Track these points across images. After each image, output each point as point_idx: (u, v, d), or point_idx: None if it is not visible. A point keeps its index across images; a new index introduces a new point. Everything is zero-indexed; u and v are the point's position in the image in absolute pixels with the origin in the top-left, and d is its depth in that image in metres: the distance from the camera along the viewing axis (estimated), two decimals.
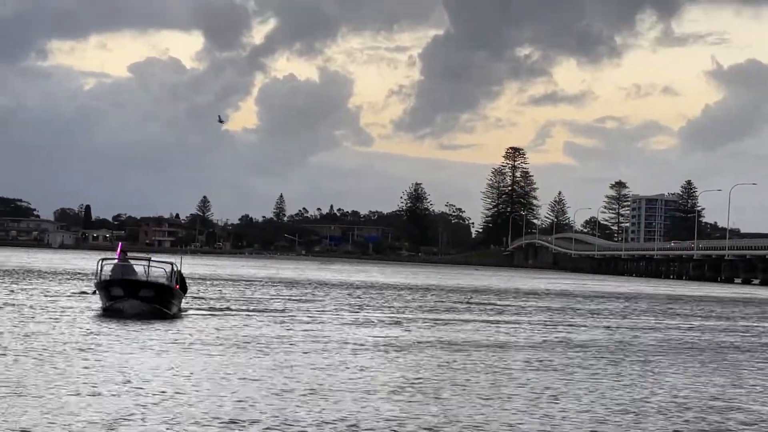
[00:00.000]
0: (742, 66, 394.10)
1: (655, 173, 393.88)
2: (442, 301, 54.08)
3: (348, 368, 21.12)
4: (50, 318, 30.65)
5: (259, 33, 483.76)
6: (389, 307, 46.18)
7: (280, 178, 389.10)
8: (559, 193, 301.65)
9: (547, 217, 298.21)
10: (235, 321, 32.91)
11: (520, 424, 15.43)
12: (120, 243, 44.72)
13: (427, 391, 18.24)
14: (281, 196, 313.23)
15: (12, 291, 44.84)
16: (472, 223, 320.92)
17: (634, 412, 16.88)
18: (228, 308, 39.22)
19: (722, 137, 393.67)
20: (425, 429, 14.66)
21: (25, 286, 49.45)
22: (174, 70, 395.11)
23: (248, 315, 36.06)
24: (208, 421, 14.43)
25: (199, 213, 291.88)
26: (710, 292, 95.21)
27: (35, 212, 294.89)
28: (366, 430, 14.40)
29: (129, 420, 14.23)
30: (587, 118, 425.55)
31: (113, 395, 16.23)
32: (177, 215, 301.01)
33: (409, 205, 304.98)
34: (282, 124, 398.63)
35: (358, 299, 51.81)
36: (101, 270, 34.44)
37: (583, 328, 37.34)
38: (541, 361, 24.47)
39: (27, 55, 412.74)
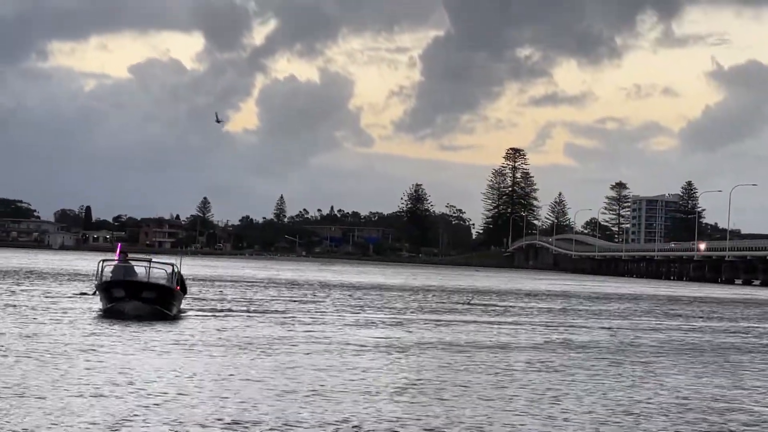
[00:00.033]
0: (743, 67, 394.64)
1: (656, 174, 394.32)
2: (443, 302, 54.08)
3: (350, 369, 21.12)
4: (51, 319, 30.66)
5: (259, 34, 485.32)
6: (390, 308, 46.18)
7: (281, 179, 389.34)
8: (560, 194, 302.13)
9: (547, 218, 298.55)
10: (236, 322, 32.92)
11: (522, 425, 15.43)
12: (119, 244, 44.72)
13: (429, 392, 18.25)
14: (282, 197, 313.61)
15: (13, 292, 44.83)
16: (473, 224, 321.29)
17: (635, 413, 16.89)
18: (229, 309, 39.23)
19: (723, 138, 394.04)
20: (427, 430, 14.67)
21: (25, 288, 49.44)
22: (174, 71, 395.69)
23: (249, 316, 36.08)
24: (210, 422, 14.44)
25: (199, 214, 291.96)
26: (711, 293, 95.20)
27: (35, 213, 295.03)
28: (368, 431, 14.40)
29: (132, 421, 14.24)
30: (587, 119, 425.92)
31: (116, 396, 16.24)
32: (177, 216, 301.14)
33: (409, 206, 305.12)
34: (282, 125, 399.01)
35: (359, 300, 51.82)
36: (102, 271, 34.45)
37: (584, 329, 37.34)
38: (542, 362, 24.48)
39: (27, 56, 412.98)
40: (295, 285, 70.21)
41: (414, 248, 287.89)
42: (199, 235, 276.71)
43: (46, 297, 42.06)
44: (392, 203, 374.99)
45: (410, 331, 32.47)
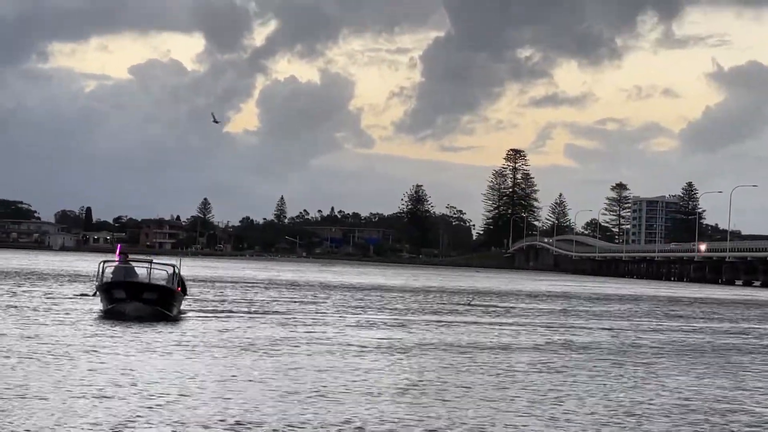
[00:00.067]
0: (743, 68, 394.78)
1: (656, 175, 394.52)
2: (444, 303, 54.07)
3: (352, 370, 21.13)
4: (53, 320, 30.69)
5: (260, 35, 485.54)
6: (391, 309, 46.20)
7: (281, 180, 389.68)
8: (560, 194, 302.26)
9: (548, 219, 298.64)
10: (237, 323, 32.92)
11: (524, 426, 15.45)
12: (119, 245, 44.69)
13: (431, 393, 18.26)
14: (282, 198, 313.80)
15: (14, 293, 44.84)
16: (473, 225, 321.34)
17: (637, 414, 16.90)
18: (230, 310, 39.23)
19: (723, 139, 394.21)
20: (429, 431, 14.68)
21: (26, 289, 49.44)
22: (175, 72, 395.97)
23: (250, 317, 36.08)
24: (213, 423, 14.46)
25: (199, 215, 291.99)
26: (711, 294, 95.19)
27: (36, 214, 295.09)
28: None
29: (134, 422, 14.25)
30: (588, 120, 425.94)
31: (118, 398, 16.25)
32: (178, 217, 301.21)
33: (409, 207, 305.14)
34: (283, 125, 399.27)
35: (360, 301, 51.82)
36: (103, 272, 34.46)
37: (585, 330, 37.34)
38: (544, 362, 24.49)
39: (28, 57, 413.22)
40: (295, 286, 70.21)
41: (414, 249, 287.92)
42: (200, 236, 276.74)
43: (47, 298, 42.07)
44: (393, 204, 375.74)
45: (412, 332, 32.47)
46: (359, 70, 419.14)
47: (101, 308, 33.91)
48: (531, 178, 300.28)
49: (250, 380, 19.01)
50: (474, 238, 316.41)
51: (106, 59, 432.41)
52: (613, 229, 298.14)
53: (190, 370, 20.06)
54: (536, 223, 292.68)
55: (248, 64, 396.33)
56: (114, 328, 28.42)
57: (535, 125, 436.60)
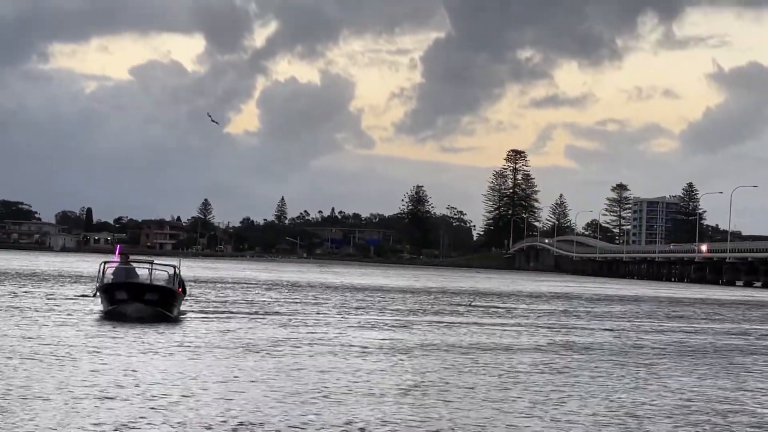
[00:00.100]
0: (743, 69, 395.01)
1: (657, 176, 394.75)
2: (445, 304, 54.07)
3: (354, 371, 21.14)
4: (54, 321, 30.70)
5: (260, 36, 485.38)
6: (393, 309, 46.20)
7: (282, 181, 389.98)
8: (561, 195, 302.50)
9: (548, 220, 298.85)
10: (238, 324, 32.94)
11: (526, 426, 15.46)
12: (118, 246, 44.71)
13: (433, 394, 18.27)
14: (282, 198, 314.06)
15: (15, 294, 44.86)
16: (474, 226, 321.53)
17: (638, 415, 16.91)
18: (230, 311, 39.25)
19: (723, 140, 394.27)
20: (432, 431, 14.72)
21: (28, 290, 49.45)
22: (175, 73, 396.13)
23: (251, 318, 36.10)
24: (216, 424, 14.46)
25: (200, 216, 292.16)
26: (712, 295, 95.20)
27: (36, 215, 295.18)
28: None
29: (137, 423, 14.26)
30: (588, 121, 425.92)
31: (121, 398, 16.26)
32: (178, 218, 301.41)
33: (410, 207, 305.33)
34: (283, 126, 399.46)
35: (361, 302, 51.83)
36: (103, 273, 34.49)
37: (586, 331, 37.35)
38: (545, 363, 24.50)
39: (28, 58, 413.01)
40: (297, 287, 70.21)
41: (415, 250, 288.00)
42: (200, 236, 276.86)
43: (49, 299, 42.09)
44: (393, 205, 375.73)
45: (413, 333, 32.49)
46: (359, 71, 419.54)
47: (101, 309, 33.93)
48: (531, 178, 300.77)
49: (252, 381, 19.02)
50: (474, 238, 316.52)
51: (107, 60, 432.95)
52: (613, 230, 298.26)
53: (192, 371, 20.07)
54: (537, 223, 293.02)
55: (248, 65, 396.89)
56: (116, 329, 28.44)
57: (536, 126, 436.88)
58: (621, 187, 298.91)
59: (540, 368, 23.41)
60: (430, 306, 51.46)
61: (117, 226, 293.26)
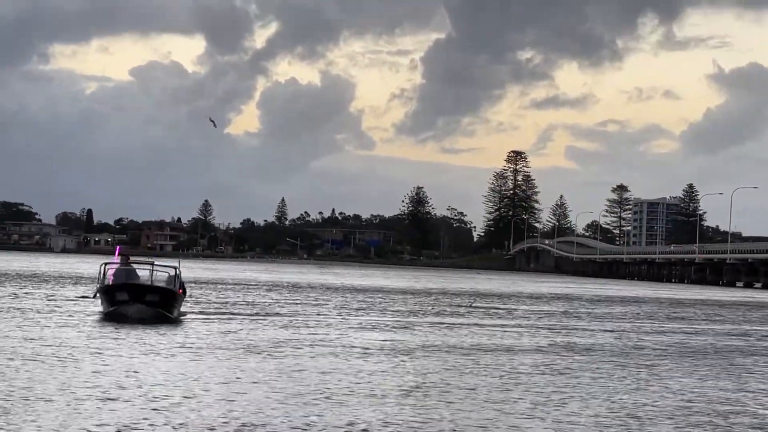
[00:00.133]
0: (744, 69, 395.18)
1: (657, 177, 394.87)
2: (446, 305, 54.09)
3: (355, 372, 21.15)
4: (56, 323, 30.72)
5: (260, 37, 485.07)
6: (393, 311, 46.21)
7: (282, 182, 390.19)
8: (561, 196, 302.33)
9: (548, 221, 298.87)
10: (239, 325, 32.95)
11: (528, 428, 15.48)
12: (118, 247, 44.76)
13: (435, 395, 18.29)
14: (283, 199, 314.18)
15: (16, 296, 44.87)
16: (474, 227, 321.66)
17: (640, 416, 16.92)
18: (231, 312, 39.25)
19: (724, 141, 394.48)
20: None
21: (29, 291, 49.46)
22: (176, 74, 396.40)
23: (252, 319, 36.10)
24: (218, 425, 14.49)
25: (200, 217, 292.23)
26: (712, 296, 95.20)
27: (37, 216, 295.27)
28: None
29: (140, 424, 14.28)
30: (589, 122, 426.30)
31: (123, 399, 16.28)
32: (179, 219, 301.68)
33: (410, 208, 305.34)
34: (284, 127, 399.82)
35: (362, 303, 51.84)
36: (104, 274, 34.51)
37: (587, 332, 37.36)
38: (547, 364, 24.51)
39: (29, 59, 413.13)
40: (297, 288, 70.22)
41: (415, 251, 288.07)
42: (201, 237, 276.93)
43: (50, 300, 42.10)
44: (393, 206, 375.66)
45: (414, 334, 32.51)
46: (360, 72, 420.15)
47: (102, 310, 33.95)
48: (532, 179, 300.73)
49: (254, 382, 19.03)
50: (475, 239, 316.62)
51: (107, 61, 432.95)
52: (613, 231, 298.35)
53: (194, 372, 20.09)
54: (537, 224, 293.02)
55: (249, 66, 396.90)
56: (117, 330, 28.45)
57: (536, 127, 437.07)
58: (621, 188, 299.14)
59: (541, 369, 23.43)
60: (430, 307, 51.47)
61: (117, 227, 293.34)
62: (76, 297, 44.82)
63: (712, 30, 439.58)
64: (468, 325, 38.63)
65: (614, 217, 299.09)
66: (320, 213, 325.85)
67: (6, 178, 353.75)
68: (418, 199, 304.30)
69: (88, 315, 34.08)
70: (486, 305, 56.24)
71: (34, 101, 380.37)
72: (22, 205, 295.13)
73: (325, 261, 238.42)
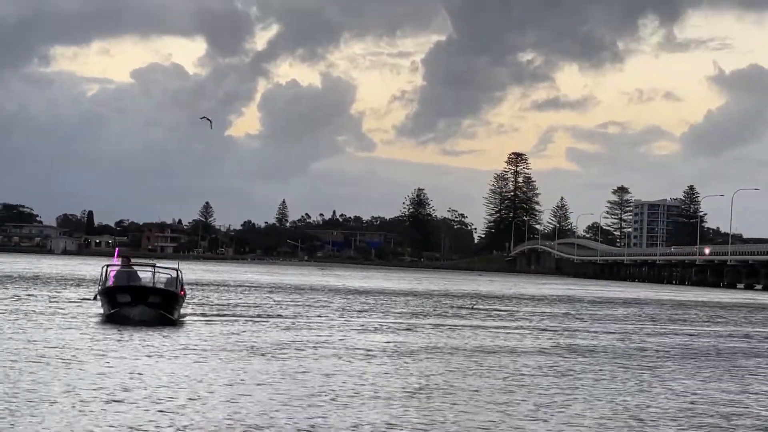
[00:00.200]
0: (744, 71, 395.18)
1: (658, 178, 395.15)
2: (448, 307, 54.10)
3: (359, 374, 21.18)
4: (58, 324, 30.73)
5: (261, 39, 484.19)
6: (396, 312, 46.23)
7: (283, 184, 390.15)
8: (562, 198, 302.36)
9: (549, 223, 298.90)
10: (242, 327, 32.97)
11: (532, 429, 15.51)
12: (117, 248, 44.80)
13: (438, 397, 18.31)
14: (284, 201, 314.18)
15: (18, 297, 44.88)
16: (475, 229, 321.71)
17: (642, 418, 16.95)
18: (232, 314, 39.27)
19: (724, 142, 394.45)
20: None
21: (31, 293, 49.46)
22: (177, 76, 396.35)
23: (255, 321, 36.12)
24: (223, 428, 14.52)
25: (201, 219, 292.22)
26: (713, 298, 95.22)
27: (38, 218, 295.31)
28: None
29: (146, 426, 14.31)
30: (589, 124, 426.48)
31: (128, 402, 16.31)
32: (179, 221, 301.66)
33: (411, 210, 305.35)
34: (284, 129, 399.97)
35: (364, 305, 51.86)
36: (106, 276, 34.54)
37: (589, 334, 37.38)
38: (550, 366, 24.54)
39: (30, 61, 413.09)
40: (299, 290, 70.25)
41: (416, 253, 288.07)
42: (201, 239, 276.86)
43: (52, 302, 42.11)
44: (394, 208, 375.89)
45: (417, 336, 32.53)
46: (361, 74, 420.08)
47: (102, 312, 33.96)
48: (532, 181, 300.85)
49: (258, 384, 19.05)
50: (475, 241, 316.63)
51: (108, 63, 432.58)
52: (614, 233, 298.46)
53: (198, 374, 20.11)
54: (538, 226, 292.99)
55: (250, 68, 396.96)
56: (120, 332, 28.48)
57: (537, 129, 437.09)
58: (622, 190, 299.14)
59: (544, 371, 23.45)
60: (432, 309, 51.50)
61: (118, 229, 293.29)
62: (79, 299, 44.82)
63: (712, 32, 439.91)
64: (471, 326, 38.64)
65: (615, 218, 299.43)
66: (321, 215, 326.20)
67: (7, 180, 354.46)
68: (419, 201, 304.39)
69: (91, 317, 34.08)
70: (488, 307, 56.25)
71: (35, 103, 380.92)
72: (23, 207, 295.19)
73: (325, 263, 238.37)
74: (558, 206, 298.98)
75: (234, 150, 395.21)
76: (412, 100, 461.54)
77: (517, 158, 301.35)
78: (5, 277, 67.86)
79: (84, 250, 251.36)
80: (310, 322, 36.69)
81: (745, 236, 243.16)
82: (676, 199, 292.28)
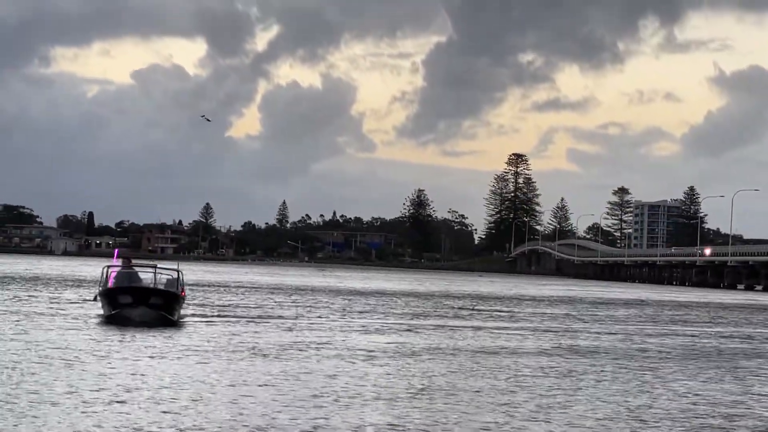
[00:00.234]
0: (745, 72, 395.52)
1: (658, 179, 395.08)
2: (448, 308, 54.11)
3: (361, 375, 21.20)
4: (60, 326, 30.75)
5: (262, 40, 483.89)
6: (397, 313, 46.24)
7: (283, 185, 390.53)
8: (562, 199, 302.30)
9: (549, 224, 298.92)
10: (244, 328, 33.00)
11: (535, 431, 15.52)
12: (116, 250, 44.78)
13: (440, 398, 18.33)
14: (284, 202, 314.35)
15: (19, 298, 44.90)
16: (475, 230, 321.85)
17: (644, 419, 16.97)
18: (234, 315, 39.28)
19: (725, 143, 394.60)
20: None
21: (32, 294, 49.48)
22: (177, 77, 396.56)
23: (257, 322, 36.13)
24: (227, 429, 14.53)
25: (201, 219, 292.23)
26: (714, 299, 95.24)
27: (38, 219, 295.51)
28: None
29: (149, 427, 14.32)
30: (590, 125, 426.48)
31: (131, 403, 16.33)
32: (180, 222, 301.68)
33: (411, 211, 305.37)
34: (285, 130, 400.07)
35: (365, 305, 51.86)
36: (106, 277, 34.54)
37: (590, 335, 37.39)
38: (552, 367, 24.55)
39: (30, 62, 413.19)
40: (300, 291, 70.26)
41: (416, 254, 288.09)
42: (202, 240, 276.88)
43: (53, 303, 42.13)
44: (395, 208, 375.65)
45: (418, 337, 32.54)
46: (361, 75, 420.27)
47: (103, 313, 33.96)
48: (533, 182, 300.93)
49: (261, 385, 19.07)
50: (476, 242, 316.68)
51: (109, 64, 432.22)
52: (615, 234, 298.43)
53: (201, 375, 20.12)
54: (538, 227, 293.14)
55: (250, 69, 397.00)
56: (122, 333, 28.49)
57: (537, 130, 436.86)
58: (622, 191, 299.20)
59: (546, 372, 23.47)
60: (433, 310, 51.50)
61: (118, 230, 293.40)
62: (83, 300, 44.81)
63: (713, 33, 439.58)
64: (472, 327, 38.66)
65: (615, 219, 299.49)
66: (321, 216, 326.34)
67: (7, 181, 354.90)
68: (419, 202, 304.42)
69: (92, 318, 34.10)
70: (489, 308, 56.27)
71: (35, 104, 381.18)
72: (23, 207, 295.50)
73: (326, 264, 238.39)
74: (558, 207, 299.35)
75: (234, 151, 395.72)
76: (412, 101, 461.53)
77: (517, 159, 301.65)
78: (6, 278, 67.86)
79: (84, 251, 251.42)
80: (311, 323, 36.70)
81: (745, 237, 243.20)
82: (676, 200, 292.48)
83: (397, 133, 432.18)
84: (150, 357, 22.92)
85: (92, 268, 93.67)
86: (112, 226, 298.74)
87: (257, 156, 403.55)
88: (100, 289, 35.07)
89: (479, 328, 38.25)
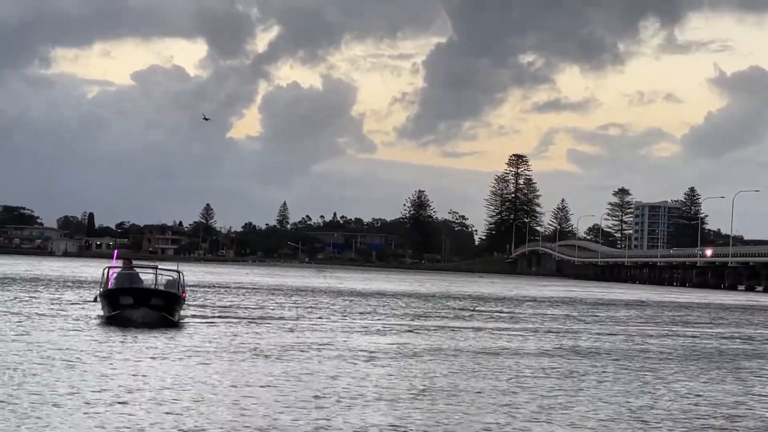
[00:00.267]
0: (745, 73, 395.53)
1: (658, 180, 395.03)
2: (449, 309, 54.12)
3: (363, 376, 21.20)
4: (61, 327, 30.75)
5: (262, 41, 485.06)
6: (398, 314, 46.23)
7: (284, 186, 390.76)
8: (563, 200, 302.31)
9: (550, 225, 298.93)
10: (245, 329, 33.00)
11: (536, 431, 15.53)
12: (116, 251, 44.77)
13: (442, 398, 18.34)
14: (284, 203, 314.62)
15: (20, 299, 44.90)
16: (475, 231, 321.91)
17: (645, 420, 16.97)
18: (234, 316, 39.28)
19: (725, 144, 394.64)
20: None
21: (32, 295, 49.48)
22: (177, 78, 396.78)
23: (257, 323, 36.13)
24: (228, 430, 14.54)
25: (202, 220, 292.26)
26: (715, 299, 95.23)
27: (38, 220, 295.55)
28: None
29: (151, 428, 14.33)
30: (590, 125, 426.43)
31: (133, 404, 16.34)
32: (180, 223, 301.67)
33: (412, 212, 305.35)
34: (285, 131, 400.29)
35: (366, 306, 51.86)
36: (107, 278, 34.54)
37: (592, 335, 37.38)
38: (553, 368, 24.56)
39: (31, 63, 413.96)
40: (301, 292, 70.25)
41: (417, 254, 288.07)
42: (202, 241, 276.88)
43: (53, 304, 42.13)
44: (395, 209, 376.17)
45: (419, 338, 32.54)
46: (361, 76, 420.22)
47: (103, 314, 33.96)
48: (533, 183, 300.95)
49: (263, 386, 19.08)
50: (476, 243, 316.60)
51: (109, 65, 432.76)
52: (615, 235, 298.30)
53: (203, 376, 20.13)
54: (539, 228, 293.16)
55: (251, 70, 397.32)
56: (124, 334, 28.49)
57: (538, 131, 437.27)
58: (623, 192, 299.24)
59: (547, 372, 23.48)
60: (434, 310, 51.50)
61: (119, 231, 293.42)
62: (85, 301, 44.82)
63: (713, 34, 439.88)
64: (473, 328, 38.66)
65: (616, 220, 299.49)
66: (322, 216, 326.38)
67: (8, 182, 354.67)
68: (420, 203, 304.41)
69: (94, 319, 34.11)
70: (490, 309, 56.26)
71: (35, 105, 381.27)
72: (24, 208, 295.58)
73: (326, 265, 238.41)
74: (559, 208, 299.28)
75: (235, 152, 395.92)
76: (412, 101, 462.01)
77: (517, 160, 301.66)
78: (6, 279, 67.86)
79: (85, 252, 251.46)
80: (312, 324, 36.70)
81: (746, 238, 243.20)
82: (676, 200, 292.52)
83: (398, 134, 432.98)
84: (151, 358, 22.93)
85: (93, 269, 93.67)
86: (113, 227, 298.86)
87: (257, 157, 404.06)
88: (101, 290, 35.05)
89: (480, 329, 38.25)
